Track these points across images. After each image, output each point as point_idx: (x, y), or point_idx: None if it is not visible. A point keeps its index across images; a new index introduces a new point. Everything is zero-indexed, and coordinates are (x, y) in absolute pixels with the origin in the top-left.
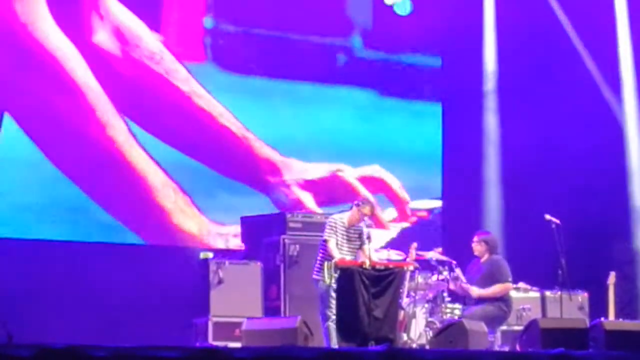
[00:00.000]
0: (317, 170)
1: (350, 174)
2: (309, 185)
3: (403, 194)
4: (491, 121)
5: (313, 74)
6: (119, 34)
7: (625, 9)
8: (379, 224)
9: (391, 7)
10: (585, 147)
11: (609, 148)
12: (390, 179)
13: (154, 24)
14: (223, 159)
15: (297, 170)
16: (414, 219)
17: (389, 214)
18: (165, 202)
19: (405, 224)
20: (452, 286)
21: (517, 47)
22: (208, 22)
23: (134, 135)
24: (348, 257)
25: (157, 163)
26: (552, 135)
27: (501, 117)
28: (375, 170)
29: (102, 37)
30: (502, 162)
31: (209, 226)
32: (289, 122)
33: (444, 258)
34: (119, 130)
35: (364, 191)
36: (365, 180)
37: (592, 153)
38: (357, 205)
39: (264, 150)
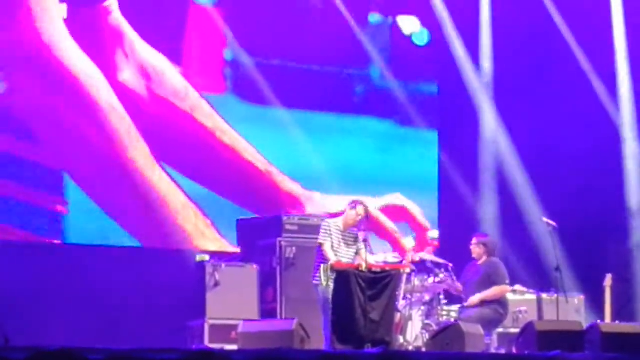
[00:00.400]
0: (340, 204)
1: (373, 205)
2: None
3: (424, 222)
4: (488, 123)
5: (331, 104)
6: (144, 72)
7: (621, 10)
8: (401, 251)
9: (409, 37)
10: (582, 150)
11: (605, 150)
12: (411, 206)
13: (176, 57)
14: (246, 194)
15: (319, 204)
16: (430, 248)
17: (409, 242)
18: (186, 224)
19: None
20: (445, 286)
21: (513, 51)
22: (228, 54)
23: (156, 157)
24: (345, 261)
25: (178, 185)
26: (548, 138)
27: (497, 120)
28: (396, 198)
29: (127, 75)
30: (499, 165)
31: (229, 249)
32: (307, 152)
33: (441, 260)
34: (141, 151)
35: (388, 224)
36: (388, 210)
37: (588, 155)
38: (352, 207)
39: (287, 184)
